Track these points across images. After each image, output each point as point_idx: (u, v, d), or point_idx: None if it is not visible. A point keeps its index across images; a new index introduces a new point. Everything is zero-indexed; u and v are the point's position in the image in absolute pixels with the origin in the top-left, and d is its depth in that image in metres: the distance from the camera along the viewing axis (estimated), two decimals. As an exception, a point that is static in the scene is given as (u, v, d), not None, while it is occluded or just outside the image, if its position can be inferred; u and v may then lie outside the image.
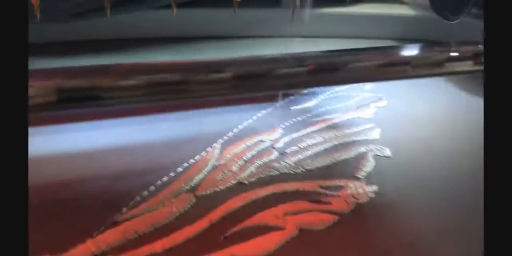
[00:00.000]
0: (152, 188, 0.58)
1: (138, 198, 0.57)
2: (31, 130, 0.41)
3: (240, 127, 0.71)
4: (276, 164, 0.62)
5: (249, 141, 0.67)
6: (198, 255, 0.48)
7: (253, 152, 0.65)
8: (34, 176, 0.56)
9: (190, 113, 0.77)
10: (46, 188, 0.57)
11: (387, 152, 0.66)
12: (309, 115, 0.75)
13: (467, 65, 0.61)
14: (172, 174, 0.60)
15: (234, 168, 0.61)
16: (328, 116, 0.75)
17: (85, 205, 0.54)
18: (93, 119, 0.74)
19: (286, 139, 0.68)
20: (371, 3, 1.09)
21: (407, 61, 0.60)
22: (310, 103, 0.79)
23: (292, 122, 0.73)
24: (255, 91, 0.68)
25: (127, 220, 0.53)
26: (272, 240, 0.50)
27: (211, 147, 0.66)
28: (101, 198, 0.56)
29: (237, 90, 0.56)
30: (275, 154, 0.64)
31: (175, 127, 0.73)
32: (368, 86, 0.86)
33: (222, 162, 0.63)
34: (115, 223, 0.52)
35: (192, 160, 0.63)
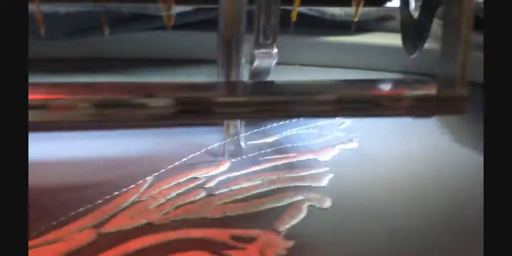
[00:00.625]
0: (63, 218, 0.58)
1: (54, 222, 0.58)
2: None
3: (184, 159, 0.70)
4: (197, 207, 0.60)
5: (183, 177, 0.65)
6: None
7: (180, 191, 0.63)
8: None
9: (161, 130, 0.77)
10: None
11: (326, 203, 0.61)
12: (262, 152, 0.72)
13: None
14: (90, 205, 0.61)
15: (151, 207, 0.60)
16: (281, 156, 0.71)
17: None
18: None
19: (221, 178, 0.66)
20: (380, 32, 1.03)
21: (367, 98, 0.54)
22: (270, 139, 0.76)
23: (240, 158, 0.71)
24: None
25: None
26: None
27: (144, 179, 0.66)
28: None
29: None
30: (201, 195, 0.62)
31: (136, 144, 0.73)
32: (345, 124, 0.81)
33: (143, 198, 0.61)
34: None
35: (116, 193, 0.63)
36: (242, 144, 0.72)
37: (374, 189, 0.65)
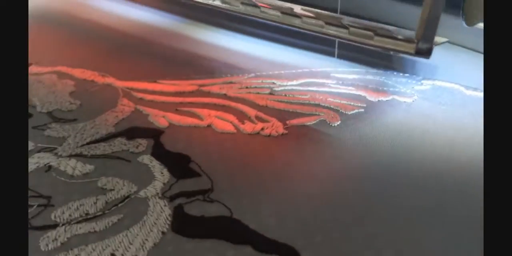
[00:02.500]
0: (186, 75, 0.99)
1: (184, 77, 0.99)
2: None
3: (283, 71, 1.00)
4: (256, 96, 0.93)
5: (267, 80, 0.99)
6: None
7: (258, 86, 0.98)
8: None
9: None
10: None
11: (335, 122, 0.85)
12: (333, 81, 0.96)
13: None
14: (210, 74, 0.99)
15: (235, 87, 0.95)
16: (342, 87, 0.95)
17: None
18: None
19: (287, 87, 0.98)
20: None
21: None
22: (353, 75, 0.98)
23: (314, 80, 0.96)
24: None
25: (163, 83, 0.97)
26: (189, 121, 0.87)
27: (249, 73, 0.99)
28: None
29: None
30: (265, 92, 0.96)
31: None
32: (423, 87, 0.97)
33: (236, 82, 0.99)
34: (155, 81, 0.97)
35: (229, 74, 1.01)
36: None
37: (385, 134, 0.85)
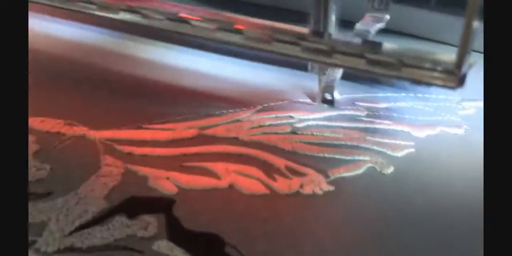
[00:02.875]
0: (181, 117, 0.79)
1: (178, 117, 0.79)
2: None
3: (295, 100, 0.82)
4: (277, 138, 0.74)
5: (283, 113, 0.80)
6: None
7: (274, 122, 0.78)
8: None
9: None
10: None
11: (388, 169, 0.68)
12: (363, 113, 0.81)
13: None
14: (208, 113, 0.80)
15: (246, 128, 0.76)
16: (377, 120, 0.79)
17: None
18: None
19: (311, 122, 0.79)
20: None
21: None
22: (381, 104, 0.83)
23: (341, 113, 0.80)
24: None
25: (148, 129, 0.76)
26: (203, 182, 0.66)
27: (255, 106, 0.81)
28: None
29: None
30: (286, 131, 0.76)
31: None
32: (466, 111, 0.81)
33: (244, 120, 0.79)
34: (139, 127, 0.76)
35: (230, 110, 0.81)
36: (337, 96, 0.82)
37: (444, 174, 0.70)
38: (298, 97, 0.86)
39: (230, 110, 0.82)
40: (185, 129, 0.77)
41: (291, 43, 0.70)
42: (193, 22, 0.75)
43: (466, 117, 0.83)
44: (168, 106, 0.82)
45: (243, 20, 0.74)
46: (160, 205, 0.64)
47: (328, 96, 0.82)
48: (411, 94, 0.88)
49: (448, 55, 0.67)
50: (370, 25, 0.70)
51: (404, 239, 0.61)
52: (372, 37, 0.74)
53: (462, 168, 0.72)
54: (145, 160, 0.71)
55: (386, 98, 0.87)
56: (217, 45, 0.93)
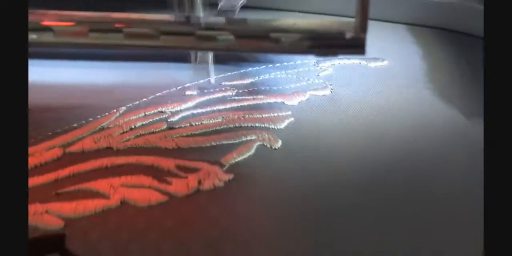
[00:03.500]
0: (39, 137, 0.68)
1: (32, 140, 0.68)
2: None
3: (159, 94, 0.77)
4: (155, 138, 0.68)
5: (151, 110, 0.74)
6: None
7: (145, 122, 0.72)
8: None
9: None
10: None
11: (277, 144, 0.67)
12: (233, 92, 0.78)
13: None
14: (65, 127, 0.70)
15: (116, 134, 0.69)
16: (249, 97, 0.77)
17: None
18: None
19: (185, 113, 0.74)
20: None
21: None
22: (246, 81, 0.82)
23: (211, 97, 0.77)
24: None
25: None
26: (91, 206, 0.58)
27: (117, 109, 0.74)
28: None
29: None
30: (162, 128, 0.70)
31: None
32: (326, 72, 0.84)
33: (111, 126, 0.71)
34: None
35: (90, 119, 0.72)
36: (212, 80, 0.78)
37: (328, 136, 0.71)
38: (161, 89, 0.80)
39: (90, 119, 0.74)
40: (46, 150, 0.67)
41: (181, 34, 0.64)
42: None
43: (328, 77, 0.85)
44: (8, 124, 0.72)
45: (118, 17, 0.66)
46: (50, 244, 0.54)
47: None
48: (270, 65, 0.89)
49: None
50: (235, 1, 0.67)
51: (309, 212, 0.60)
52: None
53: (338, 126, 0.74)
54: (10, 198, 0.61)
55: (249, 74, 0.85)
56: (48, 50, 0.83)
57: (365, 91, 0.81)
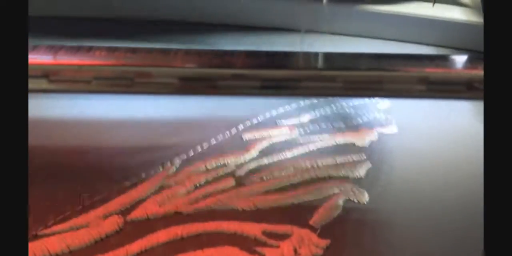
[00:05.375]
0: (89, 202, 0.59)
1: (79, 207, 0.59)
2: None
3: (213, 141, 0.69)
4: (227, 197, 0.60)
5: (212, 163, 0.65)
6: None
7: (210, 178, 0.63)
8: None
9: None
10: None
11: (364, 198, 0.61)
12: (294, 133, 0.71)
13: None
14: (116, 188, 0.61)
15: (180, 194, 0.60)
16: (316, 137, 0.71)
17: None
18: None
19: (251, 165, 0.66)
20: (422, 1, 0.97)
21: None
22: (304, 117, 0.75)
23: (273, 141, 0.70)
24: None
25: (48, 235, 0.55)
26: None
27: (171, 162, 0.66)
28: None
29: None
30: (231, 184, 0.62)
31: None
32: (384, 104, 0.79)
33: (172, 183, 0.62)
34: (35, 236, 0.55)
35: (143, 176, 0.63)
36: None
37: (420, 184, 0.64)
38: (213, 133, 0.72)
39: (142, 174, 0.64)
40: (101, 218, 0.58)
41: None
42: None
43: (388, 111, 0.79)
44: (47, 188, 0.59)
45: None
46: None
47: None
48: (322, 99, 0.82)
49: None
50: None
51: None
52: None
53: (416, 171, 0.67)
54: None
55: (302, 109, 0.80)
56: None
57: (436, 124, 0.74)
